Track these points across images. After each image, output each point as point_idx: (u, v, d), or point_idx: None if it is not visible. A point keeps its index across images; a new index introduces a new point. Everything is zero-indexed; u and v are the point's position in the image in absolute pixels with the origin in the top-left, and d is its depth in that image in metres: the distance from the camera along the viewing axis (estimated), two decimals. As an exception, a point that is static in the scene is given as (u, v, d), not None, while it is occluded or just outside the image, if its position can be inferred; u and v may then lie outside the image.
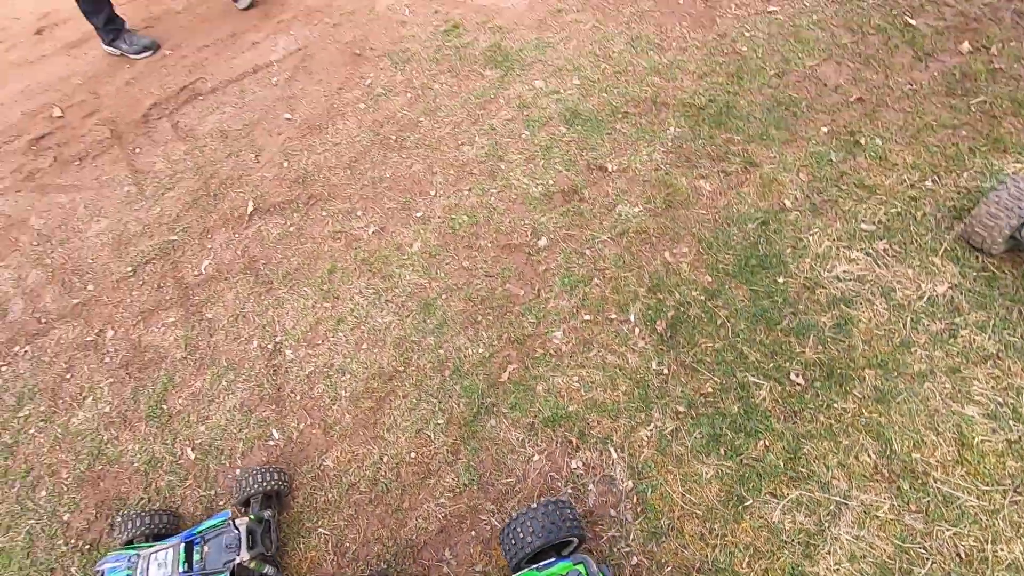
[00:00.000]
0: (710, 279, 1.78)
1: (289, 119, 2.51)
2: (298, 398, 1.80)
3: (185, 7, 3.16)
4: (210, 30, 2.98)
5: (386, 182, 2.23)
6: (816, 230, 1.82)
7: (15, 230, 2.39)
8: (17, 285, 2.23)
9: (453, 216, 2.08)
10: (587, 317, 1.78)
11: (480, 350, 1.77)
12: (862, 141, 1.98)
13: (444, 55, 2.59)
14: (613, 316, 1.77)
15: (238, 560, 1.36)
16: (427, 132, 2.34)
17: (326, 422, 1.74)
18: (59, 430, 1.86)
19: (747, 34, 2.38)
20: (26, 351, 2.05)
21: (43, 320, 2.12)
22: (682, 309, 1.74)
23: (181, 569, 1.36)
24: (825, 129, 2.04)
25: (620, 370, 1.66)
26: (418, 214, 2.12)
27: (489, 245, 1.99)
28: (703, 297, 1.75)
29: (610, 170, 2.09)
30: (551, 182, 2.09)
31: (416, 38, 2.68)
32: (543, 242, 1.96)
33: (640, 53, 2.41)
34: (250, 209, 2.26)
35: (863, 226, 1.80)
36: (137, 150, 2.55)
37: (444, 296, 1.90)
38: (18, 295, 2.21)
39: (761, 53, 2.30)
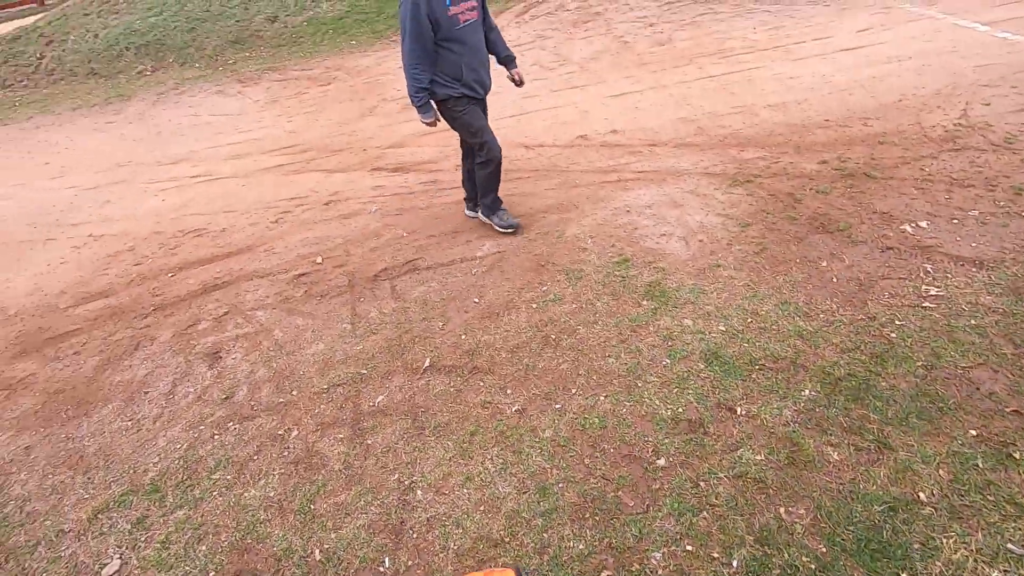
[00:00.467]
0: (824, 549, 1.77)
1: (476, 303, 3.13)
2: (414, 536, 2.05)
3: (428, 205, 4.22)
4: (439, 225, 3.93)
5: (537, 371, 2.63)
6: (953, 535, 1.75)
7: (262, 336, 3.19)
8: (248, 376, 2.92)
9: (586, 416, 2.37)
10: (689, 547, 1.84)
11: (580, 546, 1.90)
12: (1016, 455, 1.93)
13: (610, 280, 3.10)
14: (715, 555, 1.81)
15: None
16: (581, 339, 2.76)
17: (430, 567, 1.94)
18: (233, 499, 2.30)
19: (898, 322, 2.54)
20: (235, 428, 2.63)
21: (254, 408, 2.73)
22: (789, 572, 1.73)
23: None
24: (974, 432, 2.03)
25: (713, 614, 1.66)
26: (557, 406, 2.44)
27: (611, 450, 2.20)
28: (814, 566, 1.73)
29: (739, 413, 2.25)
30: (680, 409, 2.31)
31: (591, 262, 3.27)
32: (662, 462, 2.12)
33: (787, 316, 2.67)
34: (426, 364, 2.78)
35: (1010, 546, 1.70)
36: (361, 299, 3.34)
37: (561, 485, 2.11)
38: (245, 384, 2.88)
39: (910, 343, 2.42)
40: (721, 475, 2.04)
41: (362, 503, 2.20)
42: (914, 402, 2.17)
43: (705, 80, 5.33)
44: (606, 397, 2.43)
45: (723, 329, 2.66)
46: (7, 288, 4.12)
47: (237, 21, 9.58)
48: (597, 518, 1.98)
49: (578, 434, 2.30)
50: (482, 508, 2.09)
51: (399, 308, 3.21)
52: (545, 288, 3.14)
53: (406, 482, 2.25)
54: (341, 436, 2.50)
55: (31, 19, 11.91)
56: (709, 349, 2.56)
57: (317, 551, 2.06)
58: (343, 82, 7.25)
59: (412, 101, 3.13)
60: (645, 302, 2.91)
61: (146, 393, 2.94)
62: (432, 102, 3.18)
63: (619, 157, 4.33)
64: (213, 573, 2.06)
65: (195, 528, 2.22)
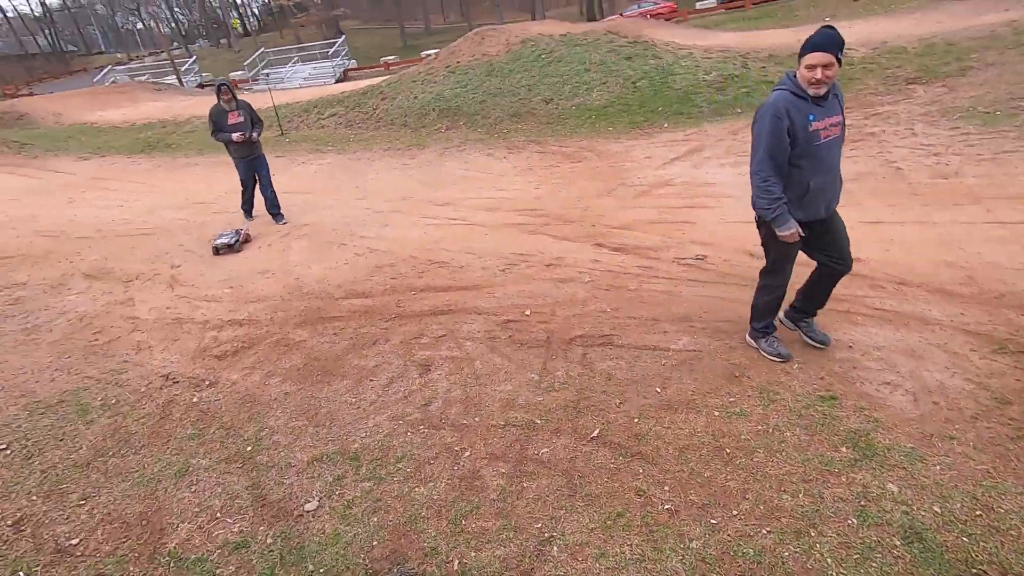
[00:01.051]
0: None
1: (658, 392, 3.18)
2: (539, 587, 2.17)
3: (637, 288, 4.41)
4: (642, 309, 4.07)
5: (701, 479, 2.57)
6: None
7: (465, 363, 3.68)
8: (446, 393, 3.40)
9: (742, 543, 2.23)
10: None
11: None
12: None
13: (808, 413, 2.88)
14: None
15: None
16: (758, 464, 2.61)
17: (545, 622, 2.03)
18: (407, 489, 2.71)
19: None
20: (424, 432, 3.09)
21: (442, 421, 3.17)
22: None
23: None
24: None
25: None
26: (712, 521, 2.35)
27: (760, 590, 2.04)
28: None
29: (933, 614, 1.90)
30: (856, 580, 2.04)
31: (791, 388, 3.07)
32: (816, 627, 1.90)
33: (1035, 526, 2.17)
34: (594, 434, 2.92)
35: None
36: (553, 357, 3.64)
37: (694, 602, 2.03)
38: (442, 399, 3.36)
39: None
40: (888, 674, 1.75)
41: (503, 536, 2.40)
42: None
43: (992, 226, 4.60)
44: (769, 532, 2.26)
45: (937, 511, 2.27)
46: (308, 272, 5.46)
47: (519, 99, 11.29)
48: (724, 653, 1.86)
49: (727, 558, 2.18)
50: (608, 589, 2.12)
51: (584, 374, 3.42)
52: (733, 400, 3.05)
53: (547, 534, 2.39)
54: (503, 471, 2.76)
55: (378, 80, 15.69)
56: (912, 527, 2.21)
57: (456, 562, 2.31)
58: (591, 162, 8.00)
59: (765, 214, 2.87)
60: (844, 449, 2.63)
61: (371, 380, 3.63)
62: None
63: (855, 288, 3.98)
64: (376, 543, 2.45)
65: (374, 501, 2.67)
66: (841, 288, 4.00)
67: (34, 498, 2.93)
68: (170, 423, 3.42)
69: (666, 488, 2.55)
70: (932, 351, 3.24)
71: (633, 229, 5.52)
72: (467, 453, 2.91)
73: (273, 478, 2.90)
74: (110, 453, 3.22)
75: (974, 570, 2.03)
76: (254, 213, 7.26)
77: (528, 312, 4.22)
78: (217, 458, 3.08)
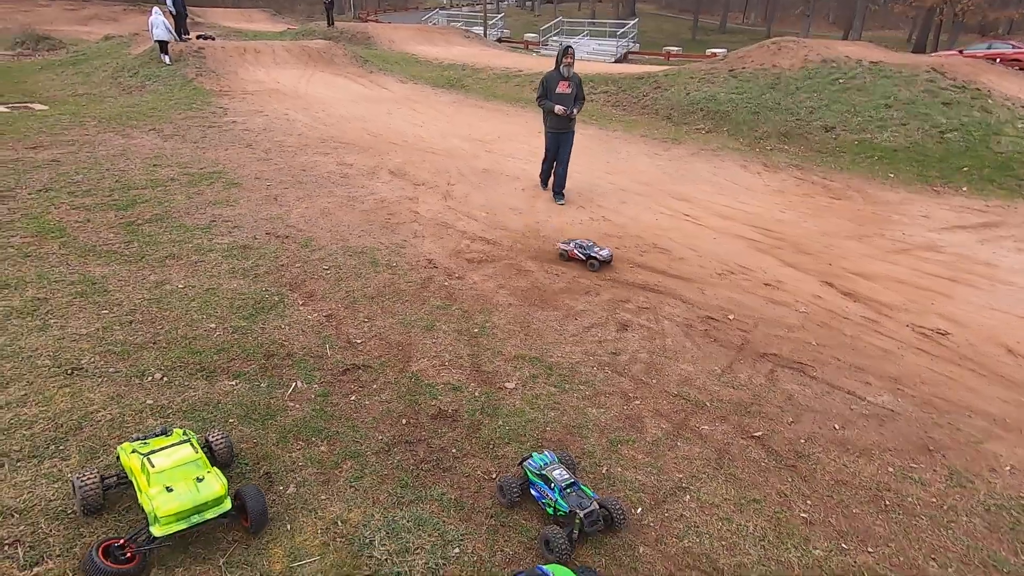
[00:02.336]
0: None
1: (834, 429, 3.23)
2: (661, 518, 2.59)
3: (853, 335, 4.28)
4: (850, 355, 3.98)
5: (848, 512, 2.67)
6: None
7: (658, 336, 4.10)
8: (634, 352, 3.88)
9: (866, 571, 2.36)
10: None
11: (779, 633, 2.08)
12: None
13: (999, 512, 2.71)
14: None
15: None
16: (916, 527, 2.61)
17: (665, 553, 2.47)
18: (582, 408, 3.30)
19: None
20: (606, 373, 3.63)
21: (624, 371, 3.67)
22: None
23: None
24: None
25: None
26: (844, 546, 2.49)
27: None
28: None
29: None
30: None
31: (990, 485, 2.88)
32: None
33: None
34: (757, 434, 3.15)
35: None
36: (740, 361, 3.85)
37: (798, 590, 2.26)
38: (628, 354, 3.85)
39: None
40: None
41: (647, 470, 2.85)
42: None
43: None
44: (899, 580, 2.34)
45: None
46: (548, 221, 6.31)
47: (796, 119, 10.69)
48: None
49: (845, 577, 2.34)
50: (722, 542, 2.46)
51: (766, 386, 3.60)
52: (915, 467, 2.99)
53: (684, 484, 2.78)
54: (664, 427, 3.18)
55: (656, 68, 16.02)
56: (1070, 651, 2.09)
57: (605, 468, 2.85)
58: (854, 203, 7.44)
59: None
60: (1025, 558, 2.48)
61: (576, 320, 4.27)
62: None
63: None
64: (548, 429, 3.10)
65: (555, 402, 3.32)
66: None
67: (339, 305, 4.23)
68: (427, 292, 4.51)
69: (809, 503, 2.72)
70: None
71: (872, 280, 5.21)
72: (637, 402, 3.38)
73: (487, 357, 3.74)
74: (387, 296, 4.41)
75: None
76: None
77: (732, 317, 4.43)
78: (453, 328, 4.04)
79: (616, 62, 24.82)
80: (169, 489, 2.15)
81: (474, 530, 2.46)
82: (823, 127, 10.29)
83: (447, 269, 4.95)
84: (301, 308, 4.15)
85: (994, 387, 3.73)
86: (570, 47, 6.54)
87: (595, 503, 2.44)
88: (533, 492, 2.57)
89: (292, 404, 3.15)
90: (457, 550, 2.36)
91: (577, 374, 3.60)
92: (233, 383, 3.28)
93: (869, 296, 4.91)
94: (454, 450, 2.92)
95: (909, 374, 3.81)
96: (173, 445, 2.37)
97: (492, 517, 2.54)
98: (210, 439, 2.57)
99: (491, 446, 2.96)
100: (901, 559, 2.45)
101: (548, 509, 2.50)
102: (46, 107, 10.24)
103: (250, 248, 5.02)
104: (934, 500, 2.77)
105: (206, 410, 3.03)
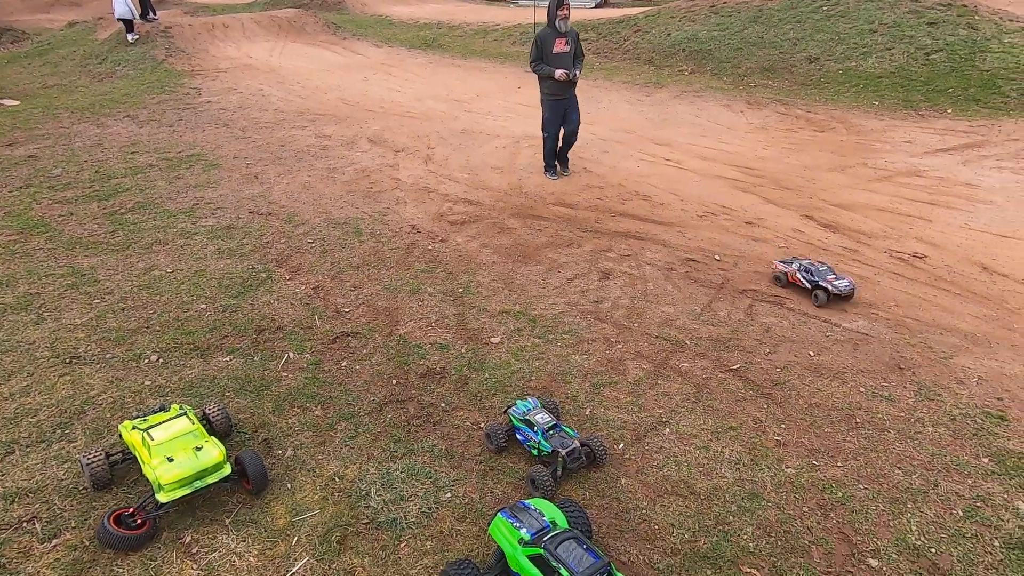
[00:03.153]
0: None
1: (810, 356, 3.35)
2: (644, 447, 2.73)
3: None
4: (829, 286, 4.07)
5: (820, 432, 2.80)
6: None
7: (639, 282, 4.18)
8: (616, 299, 3.97)
9: (834, 487, 2.50)
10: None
11: (751, 546, 2.24)
12: None
13: (964, 422, 2.84)
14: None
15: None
16: (885, 440, 2.74)
17: (645, 477, 2.61)
18: (565, 355, 3.41)
19: None
20: (589, 321, 3.73)
21: (607, 318, 3.76)
22: None
23: None
24: None
25: None
26: (814, 462, 2.63)
27: (832, 519, 2.34)
28: None
29: (999, 602, 2.03)
30: (933, 550, 2.22)
31: (957, 395, 3.00)
32: (873, 562, 2.18)
33: None
34: (735, 367, 3.26)
35: None
36: (720, 299, 3.94)
37: (768, 502, 2.42)
38: (611, 301, 3.94)
39: None
40: (923, 615, 1.99)
41: (629, 408, 2.98)
42: None
43: None
44: (865, 489, 2.49)
45: (1061, 539, 2.25)
46: (528, 177, 6.30)
47: (780, 52, 10.46)
48: (778, 542, 2.25)
49: (815, 491, 2.49)
50: (700, 468, 2.60)
51: (744, 321, 3.70)
52: (886, 385, 3.11)
53: (664, 419, 2.91)
54: (645, 367, 3.30)
55: (638, 10, 15.55)
56: (1021, 540, 2.25)
57: (589, 410, 2.97)
58: (837, 134, 7.39)
59: None
60: (986, 460, 2.62)
61: (559, 272, 4.34)
62: None
63: (1102, 333, 3.48)
64: (533, 378, 3.22)
65: (540, 352, 3.43)
66: (1080, 327, 3.55)
67: (326, 277, 4.30)
68: (411, 257, 4.58)
69: (783, 427, 2.85)
70: None
71: (852, 211, 5.24)
72: (620, 346, 3.49)
73: (473, 315, 3.83)
74: (372, 264, 4.48)
75: (1070, 593, 2.07)
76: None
77: (719, 258, 4.50)
78: (438, 290, 4.12)
79: (596, 7, 24.04)
80: (170, 459, 2.27)
81: (464, 476, 2.61)
82: (807, 58, 10.09)
83: (430, 233, 5.00)
84: (288, 283, 4.22)
85: (967, 304, 3.83)
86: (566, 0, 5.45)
87: (576, 442, 2.57)
88: (518, 436, 2.70)
89: (286, 374, 3.27)
90: (449, 495, 2.50)
91: (560, 324, 3.70)
92: (228, 359, 3.39)
93: (849, 226, 4.96)
94: (443, 404, 3.04)
95: (884, 299, 3.90)
96: (171, 419, 2.48)
97: (481, 463, 2.68)
98: (207, 412, 2.70)
99: (479, 398, 3.09)
100: (868, 470, 2.59)
101: (533, 451, 2.64)
102: (17, 102, 10.07)
103: (234, 228, 5.06)
104: (902, 415, 2.90)
105: (203, 386, 3.15)
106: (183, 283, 4.18)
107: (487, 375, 3.25)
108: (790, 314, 3.76)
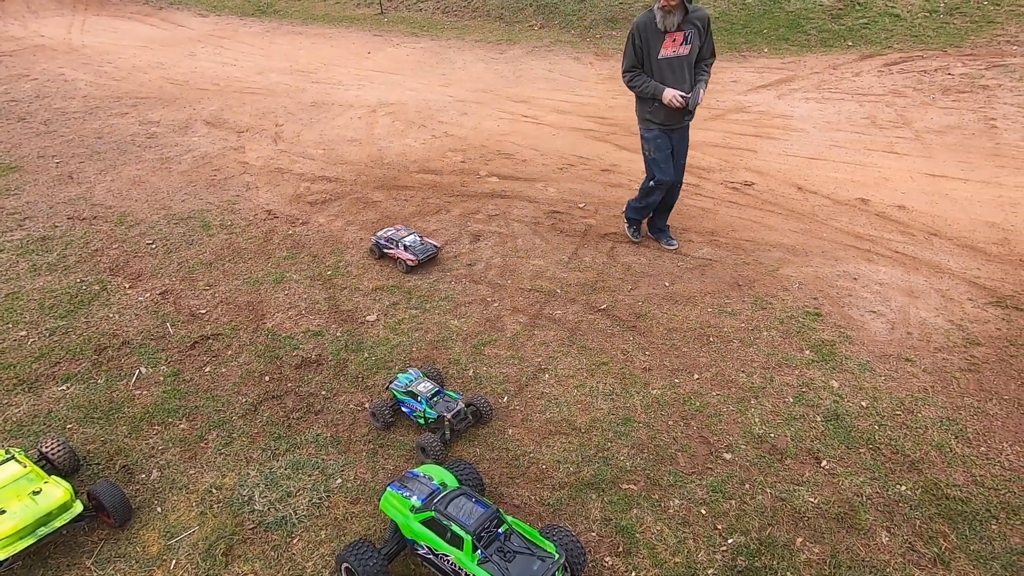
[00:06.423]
0: (810, 579, 2.01)
1: (666, 287, 3.66)
2: (527, 396, 2.86)
3: (679, 202, 4.74)
4: (681, 220, 4.45)
5: (678, 352, 3.11)
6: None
7: (509, 239, 4.27)
8: (488, 259, 4.03)
9: (692, 398, 2.81)
10: (703, 511, 2.26)
11: (628, 464, 2.47)
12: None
13: (790, 322, 3.29)
14: (719, 527, 2.19)
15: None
16: (731, 350, 3.11)
17: (528, 423, 2.74)
18: (444, 321, 3.43)
19: (1072, 499, 2.29)
20: (464, 284, 3.76)
21: (481, 279, 3.82)
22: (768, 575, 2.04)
23: None
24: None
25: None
26: (676, 380, 2.93)
27: (694, 426, 2.64)
28: (791, 582, 2.00)
29: (822, 465, 2.44)
30: (772, 435, 2.59)
31: (784, 301, 3.47)
32: (727, 456, 2.50)
33: (942, 430, 2.60)
34: (602, 307, 3.49)
35: None
36: (585, 245, 4.15)
37: (640, 425, 2.66)
38: (484, 262, 3.99)
39: (1066, 519, 2.21)
40: (768, 491, 2.34)
41: (510, 362, 3.09)
42: (1013, 556, 2.07)
43: (1061, 197, 4.52)
44: (718, 395, 2.82)
45: (863, 406, 2.73)
46: (389, 146, 6.10)
47: (620, 3, 10.92)
48: (651, 457, 2.50)
49: (677, 405, 2.77)
50: (578, 405, 2.79)
51: (607, 263, 3.94)
52: (729, 301, 3.51)
53: (543, 366, 3.06)
54: (521, 320, 3.42)
55: (481, -34, 15.27)
56: (836, 412, 2.70)
57: (472, 371, 3.04)
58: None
59: None
60: (808, 352, 3.08)
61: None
62: None
63: (886, 232, 4.17)
64: (415, 350, 3.21)
65: (418, 323, 3.42)
66: (871, 230, 4.22)
67: (174, 279, 3.90)
68: (271, 246, 4.28)
69: (647, 354, 3.13)
70: (929, 294, 3.51)
71: (693, 149, 5.69)
72: (496, 304, 3.58)
73: (345, 295, 3.70)
74: (226, 259, 4.13)
75: (871, 446, 2.53)
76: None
77: (583, 205, 4.70)
78: (305, 275, 3.91)
79: (441, -37, 23.25)
80: (0, 512, 1.99)
81: (354, 458, 2.57)
82: (644, 6, 10.61)
83: (289, 216, 4.69)
84: (129, 291, 3.77)
85: (788, 222, 4.39)
86: None
87: (461, 403, 2.62)
88: (404, 409, 2.70)
89: (139, 392, 2.96)
90: (340, 480, 2.46)
91: (436, 292, 3.70)
92: (64, 387, 2.99)
93: (690, 164, 5.37)
94: (324, 392, 2.94)
95: (723, 225, 4.35)
96: (-5, 467, 2.16)
97: (370, 443, 2.65)
98: (44, 450, 2.38)
99: (360, 379, 3.02)
100: (719, 378, 2.93)
101: (419, 420, 2.65)
102: None
103: (51, 239, 4.39)
104: (743, 325, 3.30)
105: (35, 423, 2.76)
106: (-8, 310, 3.58)
107: (366, 354, 3.18)
108: (647, 251, 4.07)
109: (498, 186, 5.12)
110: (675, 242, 4.12)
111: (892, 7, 9.35)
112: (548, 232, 4.36)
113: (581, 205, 4.73)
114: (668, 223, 4.16)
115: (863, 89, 6.98)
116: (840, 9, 9.47)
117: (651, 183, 3.80)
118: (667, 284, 3.69)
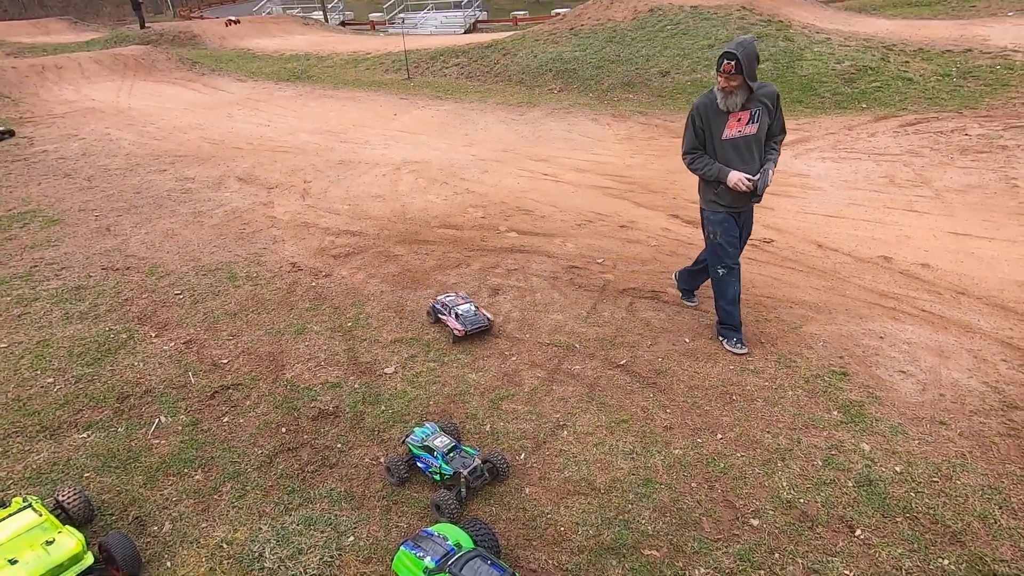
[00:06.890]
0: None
1: (686, 343, 3.62)
2: (546, 454, 2.79)
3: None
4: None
5: (700, 411, 3.04)
6: None
7: (528, 293, 4.30)
8: (507, 313, 4.05)
9: (716, 459, 2.71)
10: (730, 582, 2.13)
11: (650, 528, 2.36)
12: None
13: (816, 382, 3.21)
14: (748, 601, 2.06)
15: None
16: (754, 410, 3.03)
17: (547, 482, 2.67)
18: (462, 373, 3.41)
19: None
20: (483, 338, 3.77)
21: (501, 332, 3.82)
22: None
23: None
24: None
25: None
26: (699, 440, 2.84)
27: (718, 490, 2.53)
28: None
29: (856, 534, 2.31)
30: (802, 500, 2.47)
31: (808, 360, 3.39)
32: (755, 522, 2.38)
33: (986, 500, 2.46)
34: (621, 362, 3.44)
35: None
36: (604, 300, 4.15)
37: (662, 486, 2.57)
38: (503, 316, 4.01)
39: None
40: (799, 560, 2.21)
41: (528, 417, 3.04)
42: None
43: (1091, 256, 4.43)
44: (742, 456, 2.72)
45: (898, 471, 2.61)
46: (412, 202, 6.28)
47: (636, 68, 11.37)
48: (674, 521, 2.40)
49: (700, 466, 2.68)
50: (598, 464, 2.71)
51: (626, 318, 3.92)
52: (751, 359, 3.44)
53: (561, 422, 3.00)
54: (540, 375, 3.39)
55: (505, 34, 16.18)
56: (868, 477, 2.58)
57: (489, 426, 3.00)
58: (691, 139, 8.12)
59: None
60: (836, 412, 2.98)
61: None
62: None
63: (911, 290, 4.11)
64: (431, 403, 3.19)
65: (436, 376, 3.41)
66: (895, 288, 4.16)
67: (198, 329, 3.98)
68: (294, 297, 4.37)
69: (668, 411, 3.05)
70: (961, 354, 3.40)
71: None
72: (514, 358, 3.56)
73: (364, 347, 3.72)
74: (250, 310, 4.21)
75: (910, 516, 2.39)
76: None
77: (601, 260, 4.74)
78: (326, 327, 3.96)
79: (466, 33, 24.70)
80: (13, 561, 1.97)
81: (367, 515, 2.51)
82: (660, 72, 11.04)
83: (313, 269, 4.81)
84: (155, 340, 3.85)
85: (810, 279, 4.36)
86: (730, 52, 3.11)
87: (477, 460, 2.57)
88: (419, 464, 2.66)
89: (157, 441, 2.96)
90: (352, 538, 2.39)
91: (455, 345, 3.70)
92: (85, 435, 3.01)
93: (708, 220, 5.45)
94: (339, 445, 2.92)
95: (744, 282, 4.32)
96: (11, 515, 2.16)
97: (384, 499, 2.59)
98: (60, 498, 2.37)
99: (376, 432, 3.00)
100: (744, 439, 2.84)
101: (435, 476, 2.60)
102: None
103: (84, 288, 4.54)
104: (767, 384, 3.22)
105: (55, 471, 2.77)
106: (23, 357, 3.67)
107: (383, 407, 3.16)
108: (666, 307, 4.05)
109: (517, 241, 5.21)
110: (696, 299, 4.09)
111: (904, 71, 9.58)
112: (566, 287, 4.38)
113: (599, 260, 4.77)
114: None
115: (879, 149, 7.06)
116: (853, 74, 9.74)
117: (720, 271, 3.49)
118: (687, 340, 3.65)
